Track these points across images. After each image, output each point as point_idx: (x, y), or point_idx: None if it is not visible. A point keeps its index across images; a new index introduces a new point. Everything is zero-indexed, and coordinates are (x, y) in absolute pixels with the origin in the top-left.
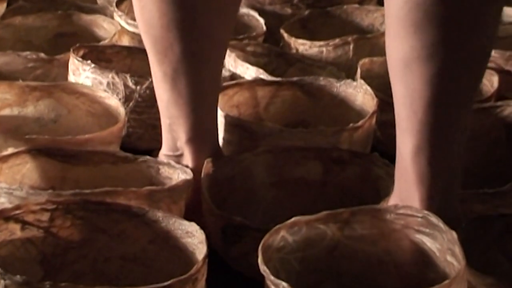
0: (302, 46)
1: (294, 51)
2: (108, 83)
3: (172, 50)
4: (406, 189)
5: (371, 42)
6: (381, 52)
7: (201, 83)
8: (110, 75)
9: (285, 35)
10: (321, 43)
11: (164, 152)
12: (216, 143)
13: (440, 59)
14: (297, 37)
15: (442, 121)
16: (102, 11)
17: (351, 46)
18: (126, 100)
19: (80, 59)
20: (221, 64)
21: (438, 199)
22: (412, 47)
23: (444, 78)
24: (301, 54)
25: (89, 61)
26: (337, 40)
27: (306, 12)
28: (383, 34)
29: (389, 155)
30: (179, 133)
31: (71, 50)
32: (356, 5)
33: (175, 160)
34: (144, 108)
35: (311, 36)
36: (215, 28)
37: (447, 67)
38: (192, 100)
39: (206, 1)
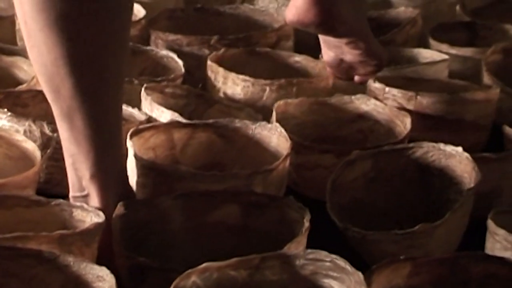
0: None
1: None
2: (25, 131)
3: (64, 86)
4: None
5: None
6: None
7: (97, 118)
8: (26, 123)
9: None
10: (243, 84)
11: (71, 193)
12: (125, 182)
13: None
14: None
15: None
16: (22, 53)
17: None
18: (44, 147)
19: None
20: (118, 98)
21: None
22: None
23: None
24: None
25: (5, 110)
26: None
27: (230, 50)
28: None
29: (305, 197)
30: (82, 171)
31: None
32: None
33: (82, 200)
34: (62, 155)
35: None
36: (106, 62)
37: None
38: (90, 135)
39: (93, 33)
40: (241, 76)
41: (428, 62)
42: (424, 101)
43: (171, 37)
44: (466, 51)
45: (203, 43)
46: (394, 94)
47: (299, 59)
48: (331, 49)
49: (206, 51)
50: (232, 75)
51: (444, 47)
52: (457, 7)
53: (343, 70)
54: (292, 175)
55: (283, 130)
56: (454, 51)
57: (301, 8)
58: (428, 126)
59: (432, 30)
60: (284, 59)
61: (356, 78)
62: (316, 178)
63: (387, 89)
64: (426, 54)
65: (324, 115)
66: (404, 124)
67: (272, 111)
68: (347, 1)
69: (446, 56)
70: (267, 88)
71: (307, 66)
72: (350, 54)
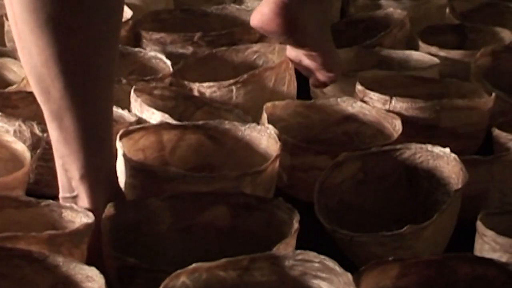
0: (209, 89)
1: (197, 94)
2: (15, 131)
3: (54, 86)
4: None
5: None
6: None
7: (87, 119)
8: (16, 123)
9: (186, 82)
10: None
11: (61, 194)
12: (114, 183)
13: None
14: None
15: None
16: (12, 54)
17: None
18: (33, 147)
19: None
20: (108, 99)
21: None
22: None
23: None
24: (209, 97)
25: None
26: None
27: (191, 59)
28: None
29: (294, 199)
30: (72, 172)
31: None
32: (224, 48)
33: (72, 201)
34: (51, 156)
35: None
36: (96, 62)
37: None
38: (80, 136)
39: (83, 34)
40: (206, 84)
41: (419, 67)
42: (398, 106)
43: (155, 35)
44: (455, 54)
45: (186, 40)
46: (371, 97)
47: (257, 49)
48: (293, 48)
49: (190, 49)
50: (197, 85)
51: (434, 49)
52: (447, 10)
53: (303, 68)
54: (284, 177)
55: (272, 132)
56: (443, 53)
57: (266, 16)
58: (403, 130)
59: (422, 32)
60: (244, 52)
61: (311, 81)
62: (311, 180)
63: (366, 91)
64: (416, 57)
65: (310, 117)
66: (394, 126)
67: (246, 109)
68: (312, 14)
69: (437, 60)
70: (233, 88)
71: (266, 52)
72: (308, 61)
